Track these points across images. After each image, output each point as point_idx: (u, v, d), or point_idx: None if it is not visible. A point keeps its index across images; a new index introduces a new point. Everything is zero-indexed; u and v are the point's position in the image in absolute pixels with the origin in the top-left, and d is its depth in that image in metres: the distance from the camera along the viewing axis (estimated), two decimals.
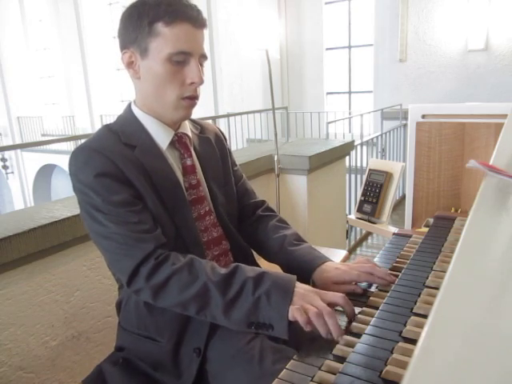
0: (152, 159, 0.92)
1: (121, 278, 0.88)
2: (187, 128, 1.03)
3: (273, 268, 1.07)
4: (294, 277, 0.83)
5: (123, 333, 1.01)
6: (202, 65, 0.93)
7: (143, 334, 0.96)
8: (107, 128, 0.95)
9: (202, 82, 0.92)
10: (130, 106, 0.99)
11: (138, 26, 0.88)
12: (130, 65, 0.93)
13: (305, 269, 0.97)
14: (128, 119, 0.97)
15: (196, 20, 0.89)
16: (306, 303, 0.77)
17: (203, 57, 0.93)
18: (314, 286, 0.96)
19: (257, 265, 1.09)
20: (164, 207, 0.92)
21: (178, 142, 0.99)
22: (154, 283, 0.84)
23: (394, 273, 0.93)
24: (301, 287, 0.81)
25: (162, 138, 0.96)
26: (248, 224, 1.13)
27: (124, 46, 0.92)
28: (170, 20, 0.86)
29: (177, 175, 0.96)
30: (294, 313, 0.76)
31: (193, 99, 0.93)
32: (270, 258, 1.08)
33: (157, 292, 0.84)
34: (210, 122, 1.20)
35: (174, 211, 0.93)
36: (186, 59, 0.89)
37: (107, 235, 0.86)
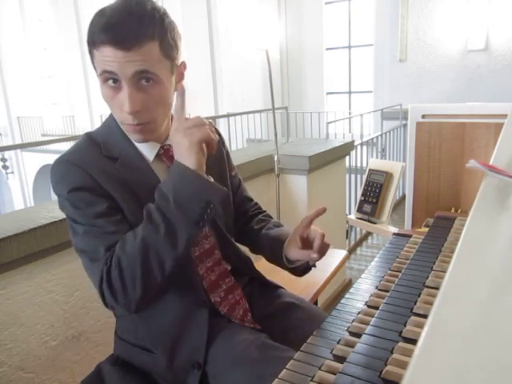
0: (135, 172, 0.88)
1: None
2: None
3: (270, 270, 1.08)
4: (176, 163, 0.81)
5: (120, 342, 1.00)
6: (145, 83, 0.81)
7: (139, 344, 0.95)
8: (88, 138, 0.90)
9: (134, 110, 0.81)
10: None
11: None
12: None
13: (278, 244, 1.01)
14: (111, 128, 0.91)
15: (119, 42, 0.77)
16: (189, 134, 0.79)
17: (140, 74, 0.80)
18: (286, 258, 1.00)
19: (256, 270, 1.10)
20: None
21: (165, 155, 0.93)
22: (119, 298, 0.80)
23: (394, 273, 0.93)
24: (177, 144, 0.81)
25: (147, 151, 0.91)
26: (241, 226, 1.13)
27: None
28: (94, 44, 0.80)
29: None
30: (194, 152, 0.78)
31: (136, 127, 0.84)
32: (253, 250, 1.12)
33: (126, 302, 0.80)
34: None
35: None
36: (119, 82, 0.81)
37: (83, 249, 0.84)
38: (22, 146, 8.01)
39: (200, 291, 0.94)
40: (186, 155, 0.80)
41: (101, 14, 0.79)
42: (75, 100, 10.50)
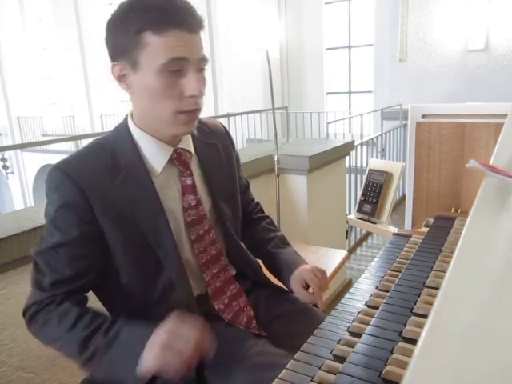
0: (135, 190, 0.85)
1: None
2: (189, 142, 0.95)
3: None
4: (147, 333, 0.75)
5: None
6: (203, 69, 0.84)
7: None
8: (99, 145, 0.88)
9: (202, 93, 0.82)
10: (127, 118, 0.91)
11: (125, 36, 0.79)
12: (121, 78, 0.84)
13: (285, 271, 1.05)
14: (122, 135, 0.89)
15: (189, 24, 0.78)
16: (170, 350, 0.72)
17: (203, 60, 0.83)
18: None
19: (264, 276, 1.09)
20: (144, 241, 0.86)
21: (177, 159, 0.91)
22: (31, 330, 0.86)
23: (394, 273, 0.93)
24: (159, 338, 0.73)
25: (158, 158, 0.88)
26: (243, 225, 1.13)
27: (113, 58, 0.83)
28: (158, 28, 0.76)
29: (161, 202, 0.88)
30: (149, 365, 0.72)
31: (193, 113, 0.84)
32: (257, 257, 1.14)
33: (38, 331, 0.85)
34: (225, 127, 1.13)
35: (157, 243, 0.87)
36: (182, 68, 0.79)
37: (35, 266, 0.85)
38: (22, 146, 7.99)
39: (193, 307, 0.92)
40: (149, 357, 0.73)
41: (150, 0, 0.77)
42: (75, 100, 10.50)
